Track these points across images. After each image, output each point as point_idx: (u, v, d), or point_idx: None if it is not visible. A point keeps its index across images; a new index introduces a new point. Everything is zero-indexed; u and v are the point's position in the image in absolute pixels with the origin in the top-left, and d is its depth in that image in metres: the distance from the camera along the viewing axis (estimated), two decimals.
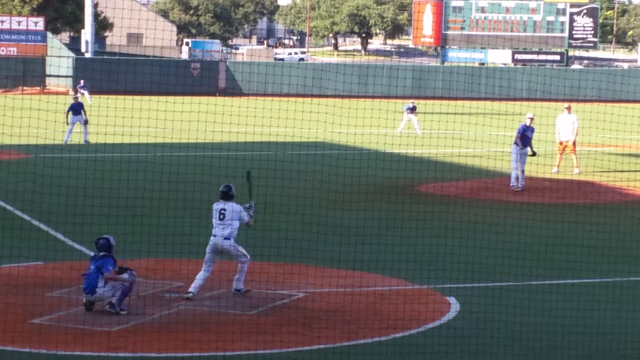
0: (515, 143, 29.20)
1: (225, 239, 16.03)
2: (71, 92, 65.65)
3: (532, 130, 29.65)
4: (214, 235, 16.10)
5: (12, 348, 13.37)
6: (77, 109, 40.87)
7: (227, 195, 16.32)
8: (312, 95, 64.53)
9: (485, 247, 19.20)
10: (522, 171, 29.04)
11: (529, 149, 29.32)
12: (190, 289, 15.93)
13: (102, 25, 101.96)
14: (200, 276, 16.04)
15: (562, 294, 16.99)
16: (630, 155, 38.95)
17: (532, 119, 29.79)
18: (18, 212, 23.71)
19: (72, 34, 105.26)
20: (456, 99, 73.27)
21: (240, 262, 16.25)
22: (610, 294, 16.87)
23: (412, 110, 48.55)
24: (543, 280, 17.98)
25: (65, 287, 16.39)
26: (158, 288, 16.56)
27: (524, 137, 29.28)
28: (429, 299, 16.18)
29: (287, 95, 72.19)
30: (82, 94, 63.30)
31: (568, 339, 14.42)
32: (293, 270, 17.60)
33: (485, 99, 72.27)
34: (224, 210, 16.13)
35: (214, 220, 16.19)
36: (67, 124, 40.45)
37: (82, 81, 66.23)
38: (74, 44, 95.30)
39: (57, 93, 71.76)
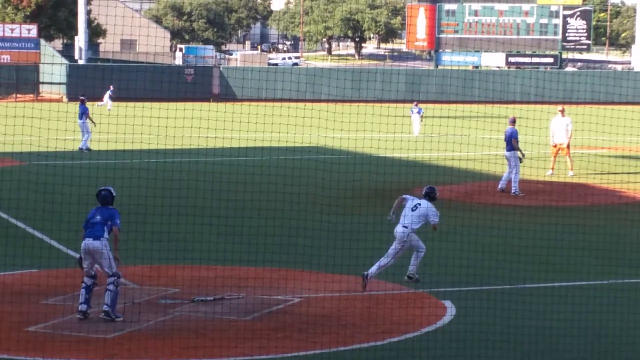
0: (514, 148, 29.19)
1: (403, 226, 17.28)
2: (107, 97, 66.30)
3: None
4: (398, 224, 17.37)
5: (7, 356, 13.35)
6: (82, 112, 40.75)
7: (428, 196, 17.77)
8: (305, 100, 64.56)
9: (480, 250, 19.22)
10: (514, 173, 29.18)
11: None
12: (368, 271, 17.06)
13: (96, 31, 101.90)
14: (381, 262, 17.23)
15: (557, 296, 17.01)
16: (624, 157, 39.02)
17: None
18: (12, 220, 23.68)
19: (65, 40, 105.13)
20: (450, 102, 73.26)
21: (417, 251, 17.45)
22: (606, 297, 16.90)
23: (418, 112, 50.49)
24: (538, 283, 18.00)
25: (61, 295, 16.37)
26: (153, 295, 16.55)
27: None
28: (424, 302, 16.19)
29: (281, 100, 72.26)
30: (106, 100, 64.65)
31: (564, 341, 14.43)
32: (288, 275, 17.60)
33: (479, 102, 72.30)
34: (419, 205, 17.45)
35: (405, 209, 17.43)
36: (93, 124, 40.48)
37: (111, 87, 66.81)
38: (67, 51, 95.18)
39: (50, 100, 71.72)
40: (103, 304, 14.91)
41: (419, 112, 50.70)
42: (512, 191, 28.83)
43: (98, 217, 15.18)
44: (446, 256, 19.23)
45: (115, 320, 14.82)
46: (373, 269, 17.19)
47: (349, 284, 17.28)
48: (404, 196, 17.93)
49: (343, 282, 17.35)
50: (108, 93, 66.70)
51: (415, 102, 52.57)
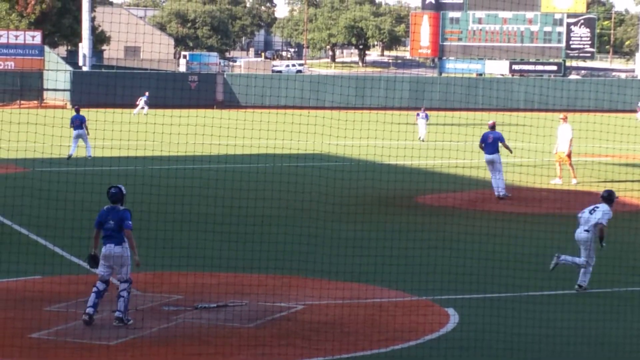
0: (498, 151, 29.56)
1: (585, 230, 17.84)
2: (142, 102, 67.41)
3: None
4: (579, 228, 17.99)
5: None
6: (75, 121, 40.06)
7: (605, 198, 18.19)
8: (309, 107, 64.58)
9: (484, 258, 19.21)
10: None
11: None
12: (579, 282, 17.92)
13: (100, 38, 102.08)
14: (585, 270, 17.94)
15: (560, 304, 17.00)
16: (627, 165, 39.01)
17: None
18: (16, 227, 23.70)
19: (69, 47, 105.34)
20: (454, 109, 73.36)
21: (588, 256, 17.79)
22: (609, 305, 16.88)
23: (425, 117, 52.61)
24: (542, 290, 17.99)
25: (64, 302, 16.37)
26: (157, 301, 16.55)
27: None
28: (427, 310, 16.18)
29: (285, 107, 72.24)
30: (142, 108, 65.65)
31: (567, 349, 14.42)
32: (291, 282, 17.60)
33: (483, 109, 72.33)
34: (597, 207, 17.99)
35: (583, 215, 18.08)
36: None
37: (146, 93, 67.62)
38: (71, 58, 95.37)
39: (54, 107, 71.84)
40: (116, 311, 14.93)
41: (425, 118, 52.00)
42: (502, 194, 28.90)
43: (111, 223, 15.07)
44: (449, 264, 19.22)
45: (128, 324, 14.84)
46: (583, 278, 17.91)
47: (352, 292, 17.28)
48: (579, 214, 18.37)
49: (346, 290, 17.35)
50: (143, 99, 67.60)
51: (422, 108, 53.47)
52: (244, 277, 18.11)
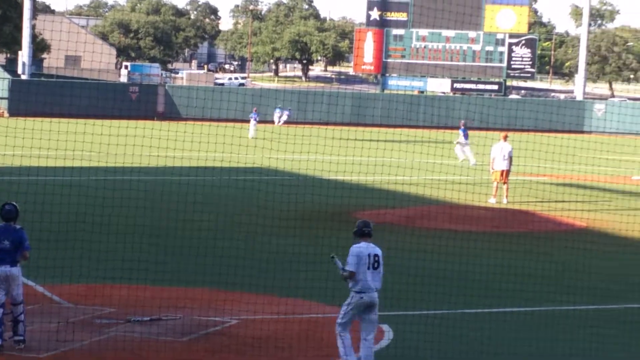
0: None
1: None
2: (283, 115, 69.75)
3: None
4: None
5: None
6: None
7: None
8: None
9: (420, 274, 19.20)
10: None
11: None
12: None
13: (40, 47, 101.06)
14: None
15: (494, 321, 17.04)
16: (564, 185, 39.34)
17: None
18: None
19: (9, 55, 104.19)
20: (395, 126, 73.63)
21: None
22: (543, 323, 16.94)
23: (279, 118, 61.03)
24: (477, 308, 18.02)
25: None
26: (89, 314, 16.31)
27: None
28: None
29: (226, 120, 71.95)
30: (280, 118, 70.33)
31: None
32: (226, 296, 17.45)
33: (424, 127, 72.64)
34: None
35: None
36: None
37: (279, 106, 71.34)
38: (10, 66, 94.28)
39: None
40: (17, 335, 14.21)
41: (255, 118, 60.38)
42: None
43: (6, 243, 14.14)
44: (384, 280, 19.17)
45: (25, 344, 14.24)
46: None
47: (287, 307, 17.16)
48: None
49: (281, 305, 17.23)
50: (284, 112, 72.27)
51: (254, 109, 61.36)
52: (178, 291, 17.95)
